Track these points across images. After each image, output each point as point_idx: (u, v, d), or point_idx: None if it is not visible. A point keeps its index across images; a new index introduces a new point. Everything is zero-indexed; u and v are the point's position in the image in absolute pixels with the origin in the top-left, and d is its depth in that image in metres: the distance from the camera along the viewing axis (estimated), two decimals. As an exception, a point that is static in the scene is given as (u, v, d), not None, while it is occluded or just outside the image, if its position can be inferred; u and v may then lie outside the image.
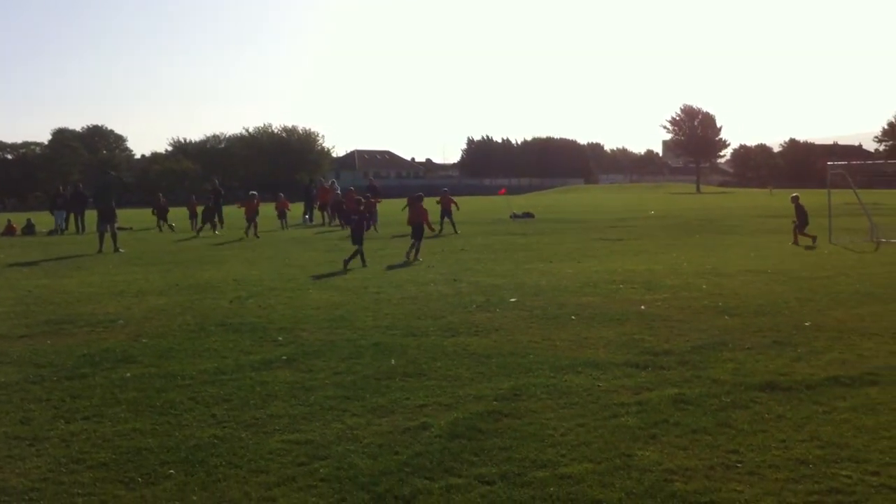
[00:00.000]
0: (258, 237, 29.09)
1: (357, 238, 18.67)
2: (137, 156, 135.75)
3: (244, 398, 7.42)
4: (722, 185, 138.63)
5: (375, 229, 32.11)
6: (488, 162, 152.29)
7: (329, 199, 37.35)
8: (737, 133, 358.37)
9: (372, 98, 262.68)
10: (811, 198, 23.83)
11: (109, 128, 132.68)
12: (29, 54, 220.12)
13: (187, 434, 6.42)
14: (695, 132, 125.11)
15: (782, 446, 5.93)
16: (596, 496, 5.12)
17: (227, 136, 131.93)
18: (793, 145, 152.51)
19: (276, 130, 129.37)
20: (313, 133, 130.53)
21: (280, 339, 10.01)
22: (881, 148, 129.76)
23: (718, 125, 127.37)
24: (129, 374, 8.33)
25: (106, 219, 24.36)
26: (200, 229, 32.87)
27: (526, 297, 12.94)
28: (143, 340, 10.07)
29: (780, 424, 6.43)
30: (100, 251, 23.57)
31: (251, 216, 29.98)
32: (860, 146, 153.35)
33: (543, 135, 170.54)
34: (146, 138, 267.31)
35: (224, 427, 6.60)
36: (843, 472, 5.42)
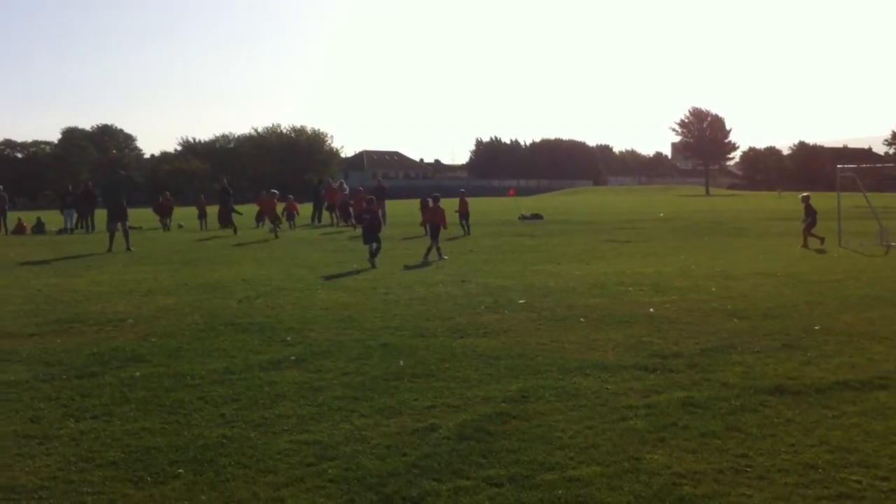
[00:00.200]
0: (277, 237, 28.75)
1: (369, 237, 18.68)
2: (147, 155, 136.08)
3: (253, 398, 7.44)
4: (731, 187, 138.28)
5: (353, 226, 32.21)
6: (497, 163, 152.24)
7: (337, 200, 37.36)
8: (746, 135, 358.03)
9: (381, 99, 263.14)
10: (820, 201, 23.74)
11: (119, 127, 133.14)
12: (39, 54, 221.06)
13: (196, 433, 6.44)
14: (704, 134, 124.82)
15: (792, 450, 5.92)
16: (604, 499, 5.11)
17: (236, 136, 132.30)
18: (802, 148, 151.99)
19: (284, 130, 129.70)
20: (322, 133, 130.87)
21: (289, 339, 10.02)
22: (891, 151, 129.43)
23: (727, 128, 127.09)
24: (138, 374, 8.35)
25: (117, 217, 24.40)
26: (231, 228, 32.47)
27: (534, 298, 12.94)
28: (153, 340, 10.10)
29: (790, 428, 6.42)
30: (109, 250, 23.63)
31: (272, 215, 29.68)
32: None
33: (552, 136, 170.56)
34: (155, 138, 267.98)
35: (233, 427, 6.61)
36: (853, 477, 5.40)
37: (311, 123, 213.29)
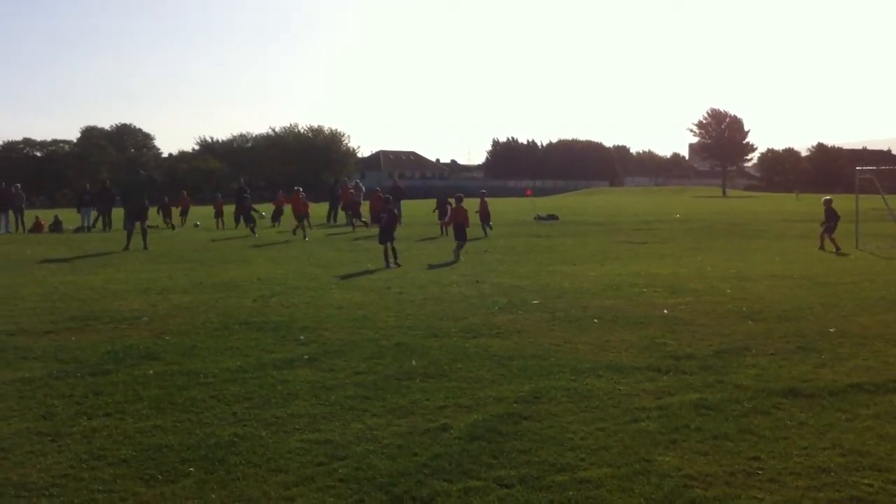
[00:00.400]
0: (306, 238, 28.02)
1: (385, 237, 18.72)
2: (165, 154, 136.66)
3: (265, 397, 7.45)
4: (748, 189, 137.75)
5: (366, 225, 32.23)
6: (513, 163, 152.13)
7: (349, 200, 37.38)
8: (764, 137, 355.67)
9: (398, 98, 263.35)
10: (839, 203, 23.54)
11: (137, 126, 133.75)
12: (58, 54, 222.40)
13: (208, 432, 6.46)
14: (722, 136, 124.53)
15: (804, 453, 5.88)
16: (615, 501, 5.09)
17: (253, 135, 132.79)
18: (821, 150, 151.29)
19: (302, 130, 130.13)
20: (339, 133, 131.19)
21: (302, 338, 10.04)
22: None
23: (746, 129, 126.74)
24: (151, 372, 8.38)
25: (136, 216, 24.58)
26: (251, 226, 32.09)
27: (548, 299, 12.91)
28: (167, 338, 10.13)
29: (803, 431, 6.38)
30: (127, 248, 23.77)
31: (301, 214, 29.06)
32: (889, 151, 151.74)
33: (569, 137, 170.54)
34: (173, 137, 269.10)
35: (244, 425, 6.62)
36: (865, 481, 5.36)
37: (328, 123, 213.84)
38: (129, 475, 5.57)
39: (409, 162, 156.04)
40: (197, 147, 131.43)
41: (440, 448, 6.04)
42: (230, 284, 15.27)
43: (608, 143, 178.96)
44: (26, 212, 37.93)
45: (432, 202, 40.13)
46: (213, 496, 5.21)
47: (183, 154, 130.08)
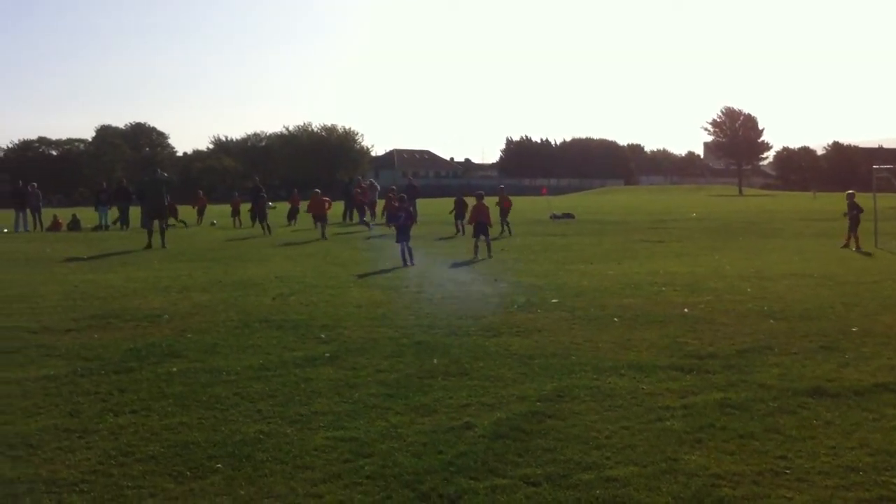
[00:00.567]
0: (326, 238, 27.73)
1: (402, 236, 18.72)
2: (179, 153, 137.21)
3: (289, 394, 7.48)
4: (764, 187, 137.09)
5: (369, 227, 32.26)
6: (527, 162, 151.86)
7: (366, 199, 37.45)
8: (779, 135, 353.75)
9: (411, 97, 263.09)
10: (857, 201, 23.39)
11: (152, 125, 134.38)
12: (73, 52, 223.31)
13: (233, 429, 6.49)
14: (736, 134, 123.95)
15: (832, 453, 5.86)
16: (642, 500, 5.09)
17: (267, 134, 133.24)
18: (837, 148, 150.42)
19: (315, 129, 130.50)
20: (352, 132, 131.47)
21: (323, 336, 10.06)
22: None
23: (760, 127, 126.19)
24: (175, 369, 8.42)
25: (155, 215, 24.77)
26: (265, 224, 31.67)
27: (567, 297, 12.89)
28: (188, 336, 10.18)
29: (829, 431, 6.35)
30: (149, 247, 23.91)
31: (321, 214, 29.04)
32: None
33: (583, 135, 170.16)
34: (187, 136, 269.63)
35: (269, 423, 6.65)
36: (894, 480, 5.33)
37: (341, 122, 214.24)
38: (158, 471, 5.60)
39: (423, 161, 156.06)
40: (211, 146, 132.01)
41: (465, 446, 6.05)
42: (249, 282, 15.32)
43: (622, 141, 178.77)
44: (43, 210, 38.16)
45: (447, 201, 40.16)
46: (242, 492, 5.23)
47: (197, 153, 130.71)
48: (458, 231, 28.78)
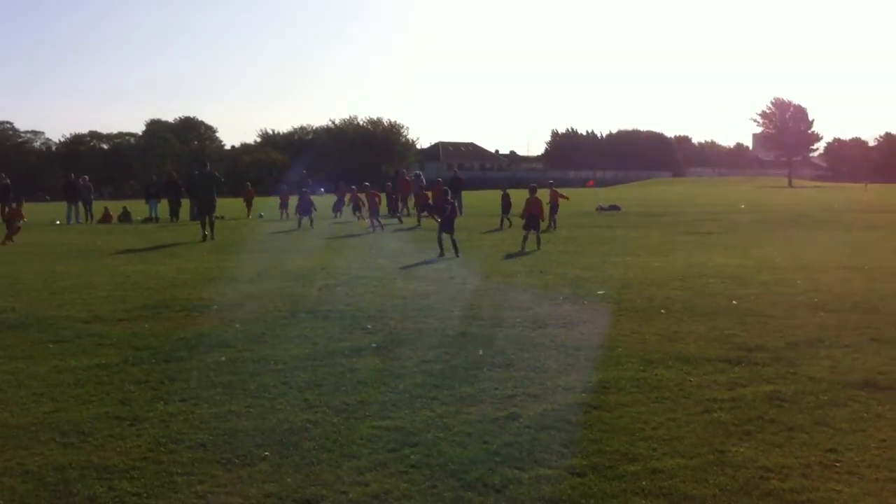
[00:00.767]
0: (375, 231, 27.55)
1: (446, 228, 18.72)
2: (227, 147, 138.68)
3: (335, 384, 7.53)
4: (815, 179, 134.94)
5: (400, 220, 32.21)
6: (573, 154, 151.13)
7: (409, 191, 37.56)
8: (830, 126, 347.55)
9: (456, 90, 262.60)
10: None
11: (200, 119, 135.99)
12: (124, 49, 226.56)
13: (281, 418, 6.55)
14: (786, 125, 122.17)
15: (882, 446, 5.75)
16: (689, 492, 5.04)
17: (314, 127, 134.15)
18: (889, 139, 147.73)
19: (361, 122, 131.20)
20: (398, 125, 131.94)
21: (369, 326, 10.12)
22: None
23: (811, 118, 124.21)
24: (223, 358, 8.53)
25: (206, 210, 25.24)
26: (309, 217, 31.85)
27: (613, 289, 12.81)
28: (237, 326, 10.30)
29: (880, 424, 6.24)
30: (203, 239, 24.26)
31: (373, 208, 29.11)
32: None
33: (629, 127, 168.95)
34: (235, 129, 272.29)
35: (316, 412, 6.70)
36: (948, 475, 5.23)
37: (387, 115, 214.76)
38: (207, 459, 5.67)
39: (467, 153, 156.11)
40: (259, 139, 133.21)
41: (510, 436, 6.04)
42: (296, 274, 15.44)
43: (670, 133, 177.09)
44: (95, 203, 38.82)
45: (492, 193, 40.06)
46: (289, 480, 5.28)
47: (245, 146, 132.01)
48: (501, 226, 28.57)
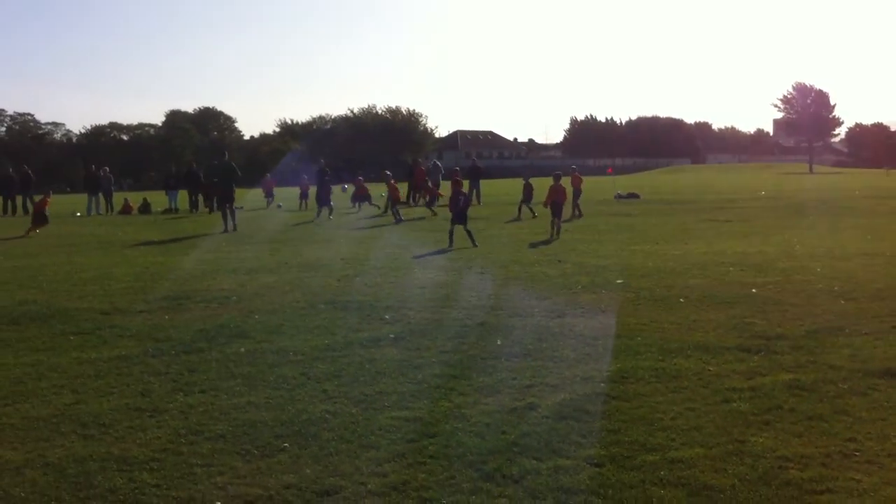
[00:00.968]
0: (402, 219, 27.50)
1: (460, 218, 18.70)
2: (246, 137, 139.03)
3: (354, 375, 7.56)
4: (836, 164, 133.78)
5: (433, 212, 32.02)
6: (592, 142, 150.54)
7: (421, 180, 37.38)
8: (851, 111, 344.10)
9: (474, 78, 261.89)
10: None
11: (219, 109, 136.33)
12: (143, 40, 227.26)
13: (300, 408, 6.58)
14: (807, 111, 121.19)
15: (903, 436, 5.72)
16: (708, 481, 5.03)
17: (332, 117, 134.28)
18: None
19: (380, 111, 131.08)
20: (416, 114, 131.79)
21: (387, 317, 10.14)
22: None
23: (832, 103, 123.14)
24: (243, 350, 8.57)
25: (226, 200, 25.34)
26: (328, 208, 31.76)
27: (632, 278, 12.78)
28: (256, 317, 10.34)
29: (901, 413, 6.20)
30: (225, 230, 24.33)
31: (395, 197, 29.09)
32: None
33: (649, 114, 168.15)
34: (255, 120, 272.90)
35: (335, 402, 6.73)
36: (970, 464, 5.19)
37: (405, 103, 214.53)
38: (227, 450, 5.71)
39: (486, 141, 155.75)
40: (277, 129, 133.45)
41: (528, 427, 6.05)
42: (314, 264, 15.49)
43: (689, 119, 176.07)
44: (115, 194, 39.04)
45: (511, 181, 39.97)
46: (308, 471, 5.31)
47: (264, 136, 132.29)
48: (519, 215, 28.38)
